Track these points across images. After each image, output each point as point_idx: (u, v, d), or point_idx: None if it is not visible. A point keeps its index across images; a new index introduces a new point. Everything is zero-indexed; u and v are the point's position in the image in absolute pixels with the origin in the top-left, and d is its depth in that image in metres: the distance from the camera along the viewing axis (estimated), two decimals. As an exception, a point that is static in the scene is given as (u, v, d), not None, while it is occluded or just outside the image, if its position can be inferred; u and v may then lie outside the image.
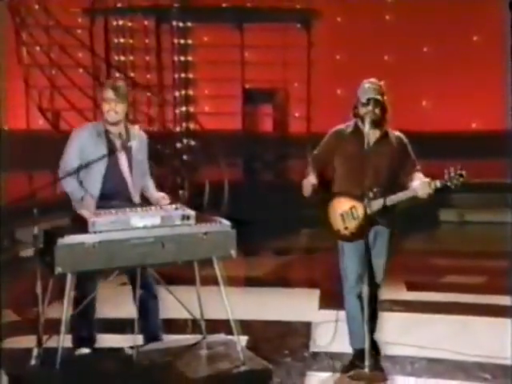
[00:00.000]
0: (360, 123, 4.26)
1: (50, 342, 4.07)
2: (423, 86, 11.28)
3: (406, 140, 4.34)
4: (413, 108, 10.88)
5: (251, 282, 6.70)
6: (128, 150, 4.38)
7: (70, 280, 3.93)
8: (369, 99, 4.17)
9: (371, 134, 4.20)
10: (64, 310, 3.93)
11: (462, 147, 9.33)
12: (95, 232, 3.92)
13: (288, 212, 8.45)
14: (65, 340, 3.98)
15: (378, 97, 4.19)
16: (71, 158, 4.32)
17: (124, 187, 4.37)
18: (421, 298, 5.85)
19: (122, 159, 4.37)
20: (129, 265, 4.04)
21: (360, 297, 4.28)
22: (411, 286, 6.19)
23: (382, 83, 4.28)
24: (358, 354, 4.31)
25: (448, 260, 7.36)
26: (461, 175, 4.08)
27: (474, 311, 5.42)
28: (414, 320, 5.29)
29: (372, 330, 4.27)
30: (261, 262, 7.46)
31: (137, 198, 4.40)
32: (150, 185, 4.54)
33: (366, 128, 4.17)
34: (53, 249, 3.84)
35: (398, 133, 4.35)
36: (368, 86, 4.21)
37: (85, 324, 4.39)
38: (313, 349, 4.74)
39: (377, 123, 4.21)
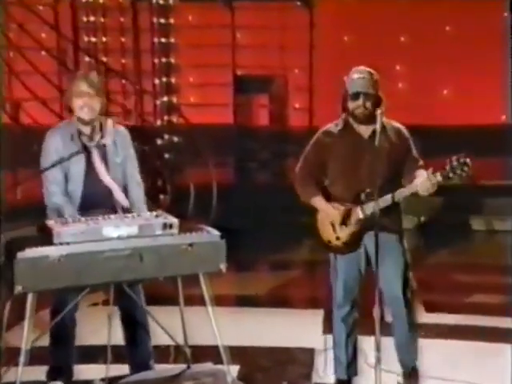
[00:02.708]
0: (350, 118, 4.31)
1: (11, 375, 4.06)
2: (445, 72, 11.31)
3: (406, 133, 4.38)
4: (432, 98, 10.94)
5: (244, 301, 6.73)
6: (102, 150, 4.41)
7: (31, 300, 3.93)
8: (357, 93, 4.21)
9: (364, 129, 4.26)
10: (24, 337, 3.93)
11: (490, 143, 9.37)
12: (61, 243, 3.92)
13: (287, 219, 8.48)
14: (29, 372, 3.98)
15: (369, 90, 4.22)
16: (52, 171, 4.32)
17: (107, 196, 4.39)
18: (440, 321, 5.89)
19: (97, 162, 4.39)
20: (101, 282, 4.06)
21: (347, 319, 4.35)
22: (430, 307, 6.22)
23: (373, 71, 4.30)
24: None
25: (474, 276, 7.40)
26: (465, 163, 4.10)
27: (505, 338, 5.43)
28: (429, 346, 5.30)
29: (408, 356, 4.33)
30: (255, 278, 7.48)
31: (126, 205, 4.42)
32: (135, 193, 4.50)
33: (355, 124, 4.24)
34: (12, 263, 3.85)
35: (396, 124, 4.39)
36: (357, 77, 4.25)
37: (62, 352, 4.41)
38: (316, 380, 4.76)
39: (368, 118, 4.24)
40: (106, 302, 4.82)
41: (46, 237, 3.95)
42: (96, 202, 4.33)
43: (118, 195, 4.40)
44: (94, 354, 4.74)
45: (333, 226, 4.33)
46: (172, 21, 10.30)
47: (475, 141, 9.43)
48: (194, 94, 11.11)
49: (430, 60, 10.97)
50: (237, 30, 10.58)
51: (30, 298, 3.92)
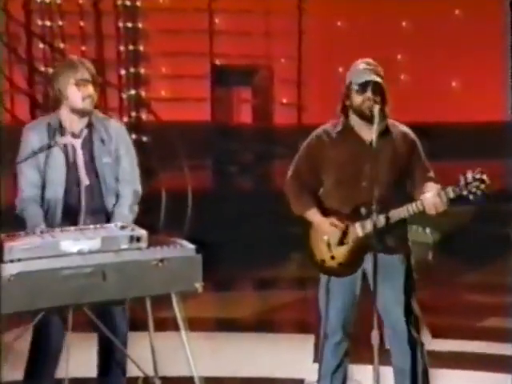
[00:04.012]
0: (353, 119, 4.29)
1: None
2: (453, 62, 11.37)
3: (414, 138, 4.37)
4: (439, 91, 10.99)
5: (223, 325, 6.74)
6: (89, 148, 4.39)
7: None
8: (366, 82, 4.19)
9: (367, 133, 4.24)
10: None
11: (506, 143, 9.41)
12: (12, 261, 3.89)
13: (273, 230, 8.51)
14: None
15: (378, 79, 4.21)
16: (27, 173, 4.30)
17: (98, 200, 4.38)
18: (450, 348, 5.92)
19: (80, 162, 4.37)
20: (57, 304, 4.04)
21: (337, 349, 4.37)
22: (438, 332, 6.25)
23: (380, 68, 4.29)
24: None
25: (490, 296, 7.43)
26: (481, 181, 4.11)
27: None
28: (436, 378, 5.33)
29: None
30: (236, 299, 7.51)
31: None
32: (123, 199, 4.47)
33: (357, 126, 4.20)
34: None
35: (403, 128, 4.38)
36: (363, 67, 4.24)
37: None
38: (306, 416, 4.81)
39: (375, 115, 4.19)
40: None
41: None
42: (92, 211, 4.34)
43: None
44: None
45: (328, 243, 4.33)
46: (139, 3, 10.31)
47: (494, 140, 9.49)
48: (165, 86, 11.11)
49: (436, 48, 11.03)
50: (215, 14, 10.61)
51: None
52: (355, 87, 4.23)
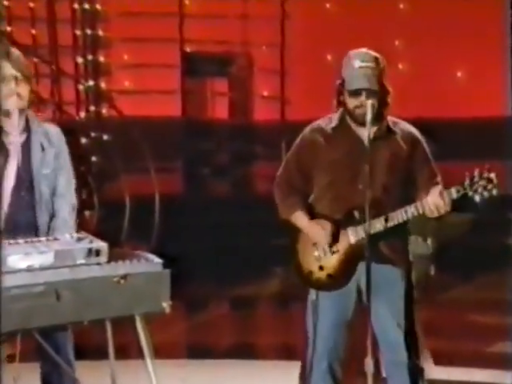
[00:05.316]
0: (348, 116, 4.34)
1: None
2: (458, 49, 11.43)
3: (420, 138, 4.41)
4: (442, 82, 11.04)
5: (196, 351, 6.73)
6: (25, 156, 4.37)
7: None
8: (359, 89, 4.22)
9: (364, 131, 4.26)
10: None
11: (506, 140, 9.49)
12: (-49, 278, 3.91)
13: (252, 241, 8.52)
14: None
15: (374, 86, 4.23)
16: None
17: (28, 214, 4.38)
18: (454, 377, 5.93)
19: (10, 170, 4.36)
20: (5, 330, 4.02)
21: (327, 376, 4.37)
22: (440, 358, 6.27)
23: (379, 56, 4.31)
24: None
25: (495, 316, 7.48)
26: (489, 180, 4.15)
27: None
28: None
29: None
30: (210, 321, 7.51)
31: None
32: (65, 217, 4.49)
33: (354, 124, 4.27)
34: None
35: (407, 126, 4.43)
36: (358, 66, 4.26)
37: None
38: None
39: (374, 118, 4.23)
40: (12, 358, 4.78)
41: None
42: (19, 224, 4.33)
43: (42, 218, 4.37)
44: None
45: (316, 251, 4.34)
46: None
47: (494, 138, 9.56)
48: (128, 77, 11.09)
49: (438, 33, 11.08)
50: (186, -7, 10.64)
51: None
52: (348, 89, 4.27)
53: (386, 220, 4.22)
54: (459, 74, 11.76)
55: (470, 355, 6.45)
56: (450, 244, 9.04)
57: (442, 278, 8.47)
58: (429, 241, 8.63)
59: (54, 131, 4.51)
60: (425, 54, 10.99)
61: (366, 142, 4.23)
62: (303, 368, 5.96)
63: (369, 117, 4.18)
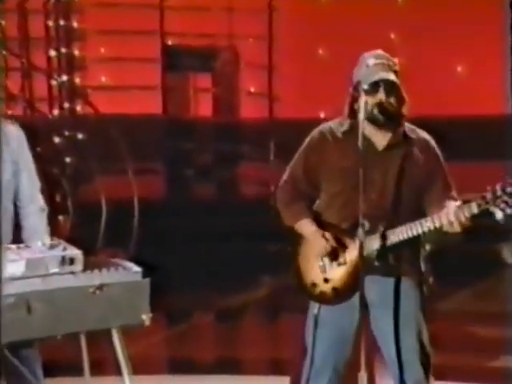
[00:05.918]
0: (361, 120, 4.29)
1: None
2: (458, 43, 11.47)
3: (435, 147, 4.43)
4: (441, 77, 11.07)
5: (178, 366, 6.73)
6: None
7: None
8: (377, 82, 4.23)
9: (379, 136, 4.29)
10: None
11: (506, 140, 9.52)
12: None
13: (238, 248, 8.52)
14: None
15: (393, 77, 4.25)
16: None
17: None
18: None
19: None
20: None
21: None
22: (440, 373, 6.28)
23: (395, 60, 4.35)
24: None
25: (497, 328, 7.48)
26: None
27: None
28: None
29: None
30: (194, 334, 7.50)
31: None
32: (35, 222, 4.49)
33: (369, 129, 4.25)
34: None
35: (423, 134, 4.44)
36: (373, 63, 4.28)
37: None
38: None
39: (390, 120, 4.26)
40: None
41: None
42: None
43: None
44: None
45: (321, 262, 4.34)
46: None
47: (494, 137, 9.60)
48: (105, 71, 11.08)
49: (437, 26, 11.12)
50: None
51: None
52: (364, 87, 4.25)
53: (396, 235, 4.24)
54: (458, 71, 11.80)
55: (469, 369, 6.46)
56: (446, 251, 9.07)
57: (438, 287, 8.49)
58: (427, 247, 8.65)
59: (13, 132, 4.48)
60: (422, 50, 11.02)
61: (379, 148, 4.28)
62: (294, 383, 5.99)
63: (362, 114, 4.17)
